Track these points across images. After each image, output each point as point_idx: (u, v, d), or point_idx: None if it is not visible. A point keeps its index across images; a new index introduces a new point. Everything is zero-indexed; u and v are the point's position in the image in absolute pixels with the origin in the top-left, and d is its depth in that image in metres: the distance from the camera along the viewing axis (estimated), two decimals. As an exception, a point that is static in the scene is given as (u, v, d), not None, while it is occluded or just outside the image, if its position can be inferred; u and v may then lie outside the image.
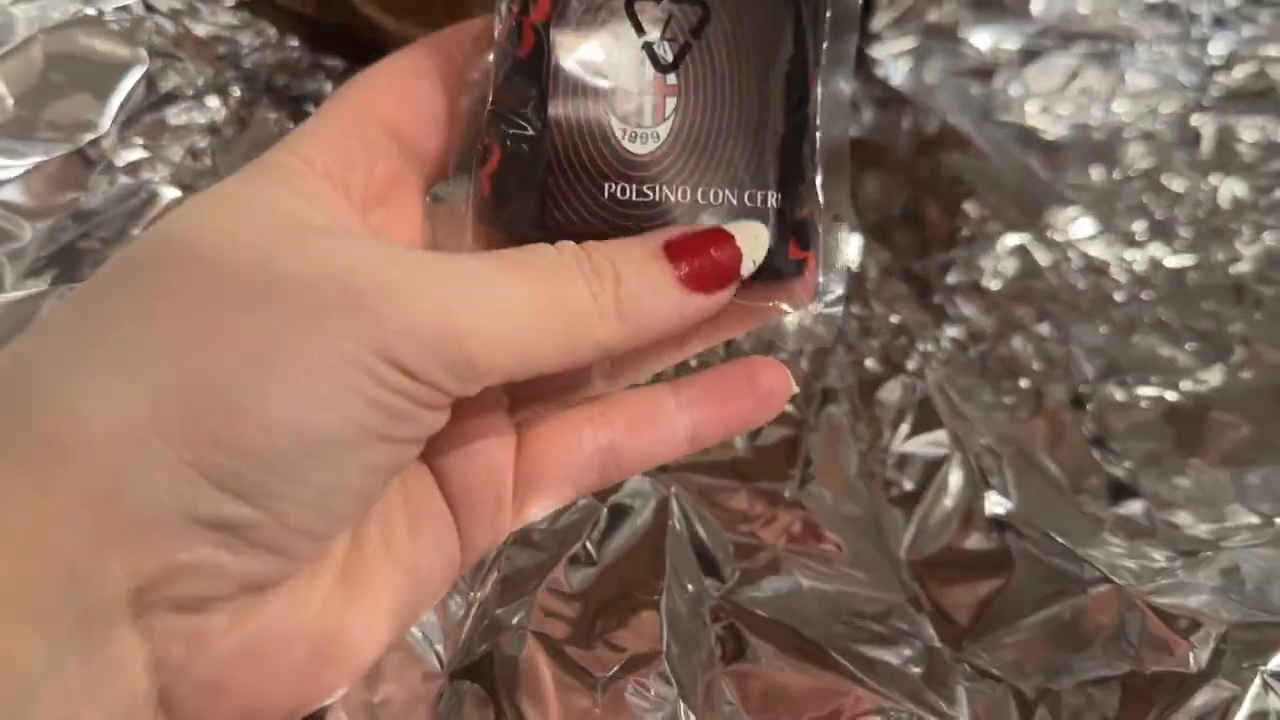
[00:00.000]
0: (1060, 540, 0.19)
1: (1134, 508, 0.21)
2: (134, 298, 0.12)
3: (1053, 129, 0.32)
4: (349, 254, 0.12)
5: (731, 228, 0.14)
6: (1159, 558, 0.20)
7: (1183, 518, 0.21)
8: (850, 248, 0.28)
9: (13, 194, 0.22)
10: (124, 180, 0.24)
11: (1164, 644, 0.17)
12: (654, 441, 0.15)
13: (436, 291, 0.12)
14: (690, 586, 0.20)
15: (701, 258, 0.14)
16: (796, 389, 0.16)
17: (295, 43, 0.28)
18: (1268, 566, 0.18)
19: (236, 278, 0.12)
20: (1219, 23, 0.36)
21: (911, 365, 0.25)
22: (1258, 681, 0.17)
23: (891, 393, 0.24)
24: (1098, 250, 0.27)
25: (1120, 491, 0.22)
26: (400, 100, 0.15)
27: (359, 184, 0.14)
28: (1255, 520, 0.21)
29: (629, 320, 0.13)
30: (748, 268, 0.14)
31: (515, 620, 0.18)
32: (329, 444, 0.12)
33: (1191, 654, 0.17)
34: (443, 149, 0.15)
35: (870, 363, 0.26)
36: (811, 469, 0.23)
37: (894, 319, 0.27)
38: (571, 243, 0.14)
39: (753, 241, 0.14)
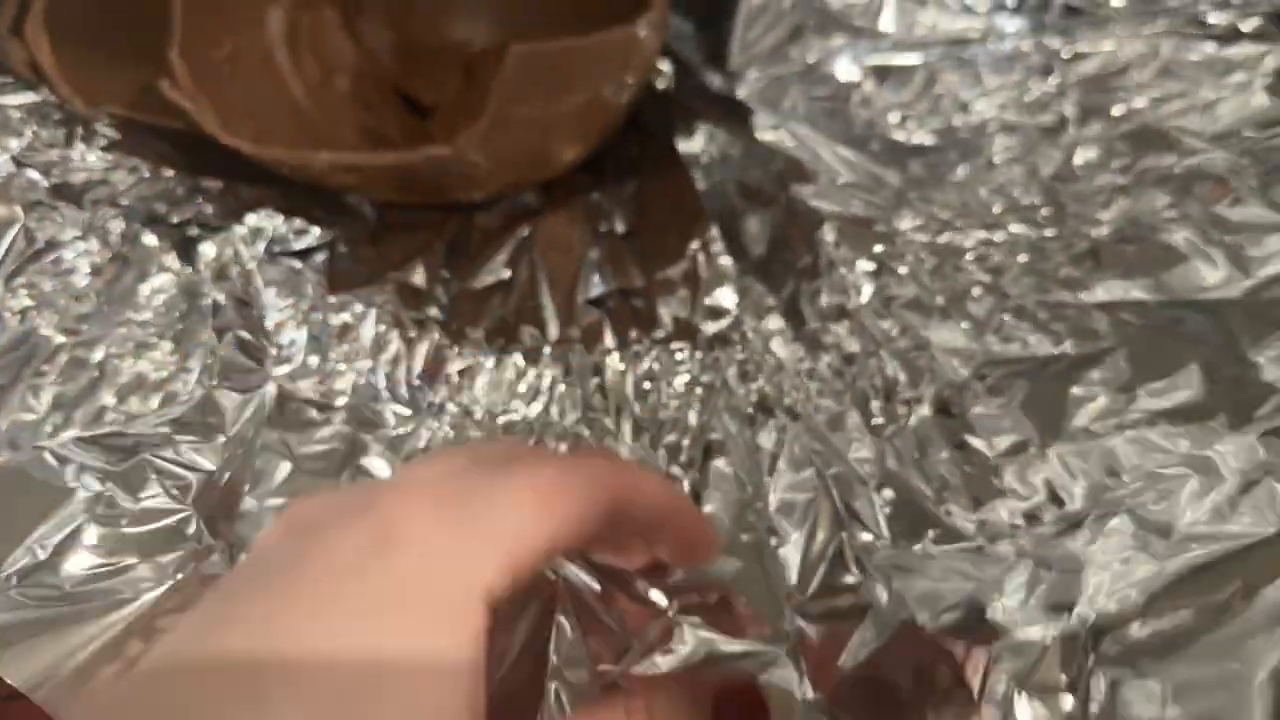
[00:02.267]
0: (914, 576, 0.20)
1: (998, 512, 0.22)
2: None
3: (916, 138, 0.34)
4: None
5: None
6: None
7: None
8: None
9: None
10: (15, 328, 0.25)
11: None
12: None
13: None
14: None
15: None
16: None
17: (170, 172, 0.29)
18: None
19: None
20: (1070, 11, 0.37)
21: (789, 402, 0.27)
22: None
23: (768, 437, 0.26)
24: (950, 243, 0.28)
25: (981, 497, 0.23)
26: None
27: None
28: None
29: None
30: None
31: None
32: None
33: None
34: None
35: (750, 410, 0.27)
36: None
37: (771, 358, 0.28)
38: None
39: None
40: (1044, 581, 0.20)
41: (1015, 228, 0.28)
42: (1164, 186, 0.28)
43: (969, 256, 0.28)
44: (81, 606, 0.20)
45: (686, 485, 0.24)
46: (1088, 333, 0.25)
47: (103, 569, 0.21)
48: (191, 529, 0.22)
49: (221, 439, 0.23)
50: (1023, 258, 0.27)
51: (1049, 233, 0.28)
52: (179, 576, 0.21)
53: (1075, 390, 0.24)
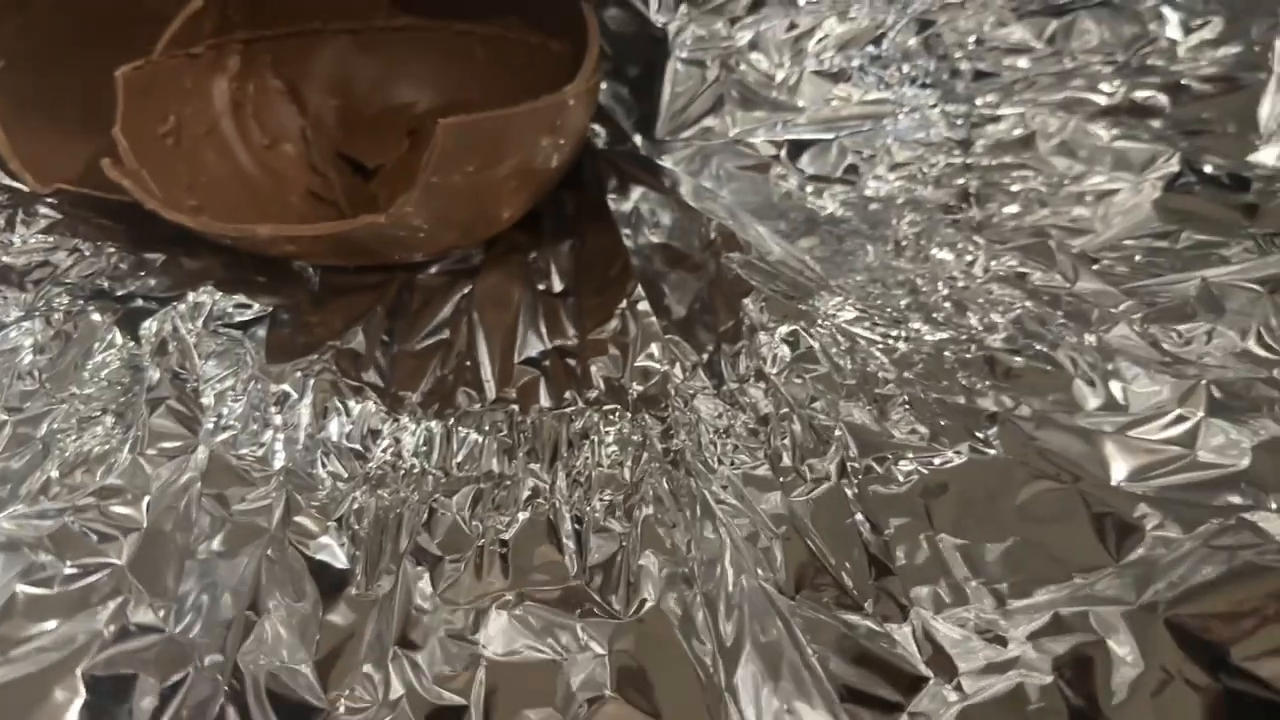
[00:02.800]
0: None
1: (891, 584, 0.24)
2: None
3: (830, 208, 0.36)
4: None
5: None
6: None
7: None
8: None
9: None
10: (-38, 405, 0.26)
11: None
12: None
13: None
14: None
15: None
16: None
17: (113, 248, 0.30)
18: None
19: None
20: (980, 76, 0.39)
21: (706, 456, 0.28)
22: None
23: (685, 491, 0.27)
24: (862, 331, 0.30)
25: (879, 567, 0.24)
26: None
27: None
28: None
29: None
30: None
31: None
32: None
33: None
34: None
35: (671, 467, 0.29)
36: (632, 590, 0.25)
37: (692, 414, 0.30)
38: None
39: None
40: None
41: (917, 325, 0.30)
42: (1056, 304, 0.30)
43: (877, 348, 0.30)
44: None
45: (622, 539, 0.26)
46: (977, 439, 0.27)
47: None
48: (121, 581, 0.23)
49: (147, 499, 0.24)
50: (924, 355, 0.29)
51: (947, 336, 0.30)
52: (110, 629, 0.22)
53: (963, 489, 0.26)
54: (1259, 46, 0.37)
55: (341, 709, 0.23)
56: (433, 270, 0.38)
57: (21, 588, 0.22)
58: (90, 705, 0.21)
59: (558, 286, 0.37)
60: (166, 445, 0.26)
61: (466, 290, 0.37)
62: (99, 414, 0.27)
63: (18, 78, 0.36)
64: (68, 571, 0.23)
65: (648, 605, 0.24)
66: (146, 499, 0.24)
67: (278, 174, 0.39)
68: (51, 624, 0.22)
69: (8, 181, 0.33)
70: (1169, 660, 0.21)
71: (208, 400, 0.27)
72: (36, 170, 0.34)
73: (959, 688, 0.21)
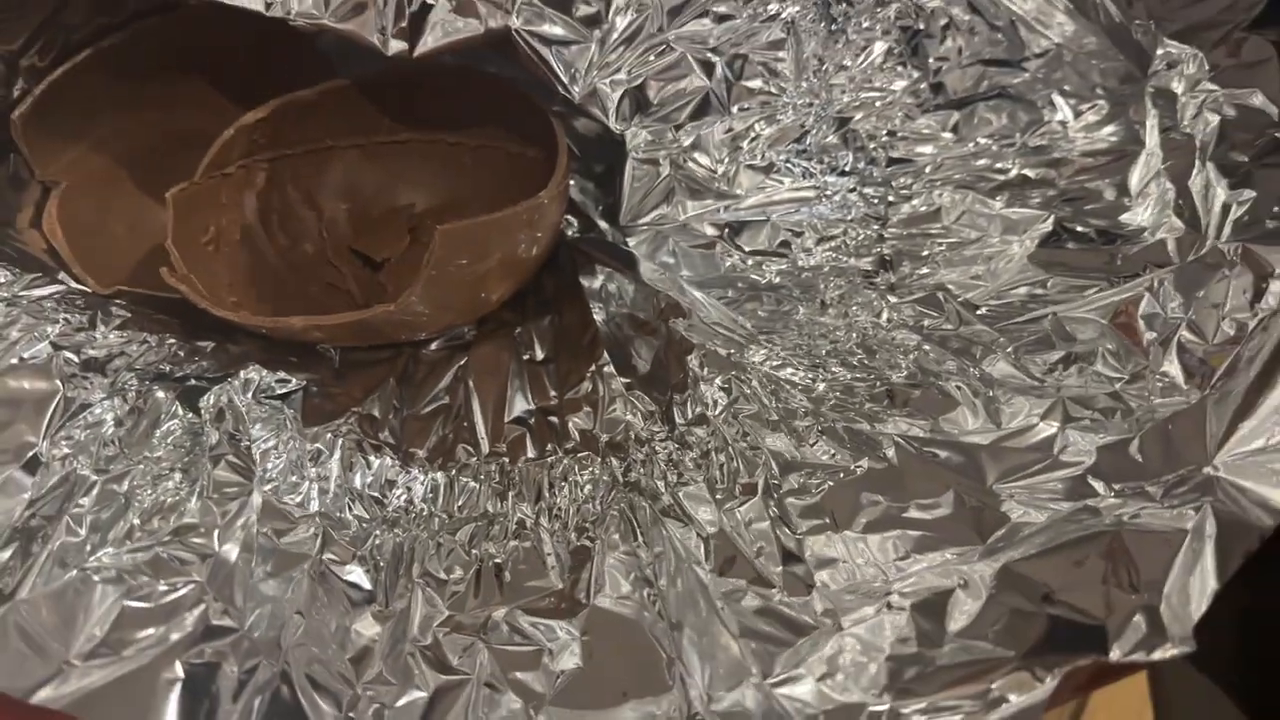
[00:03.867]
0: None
1: (797, 569, 0.30)
2: None
3: (768, 277, 0.42)
4: None
5: None
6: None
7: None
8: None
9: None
10: (58, 470, 0.33)
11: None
12: None
13: None
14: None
15: None
16: None
17: (171, 339, 0.37)
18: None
19: None
20: (893, 162, 0.46)
21: (659, 486, 0.35)
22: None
23: (642, 511, 0.34)
24: (785, 375, 0.37)
25: (789, 557, 0.31)
26: None
27: None
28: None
29: None
30: None
31: None
32: None
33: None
34: None
35: (632, 494, 0.35)
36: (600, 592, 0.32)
37: (649, 453, 0.36)
38: None
39: None
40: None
41: (835, 368, 0.37)
42: (946, 345, 0.37)
43: (797, 387, 0.36)
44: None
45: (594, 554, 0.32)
46: (877, 456, 0.33)
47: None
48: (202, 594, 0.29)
49: (216, 531, 0.31)
50: (837, 393, 0.36)
51: (858, 375, 0.36)
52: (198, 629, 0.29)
53: (864, 495, 0.32)
54: (1137, 125, 0.44)
55: (367, 693, 0.29)
56: (434, 346, 0.44)
57: (127, 603, 0.29)
58: (188, 685, 0.28)
59: (540, 355, 0.44)
60: (228, 491, 0.32)
61: (463, 361, 0.43)
62: (168, 471, 0.33)
63: (77, 196, 0.44)
64: (161, 589, 0.29)
65: (615, 598, 0.30)
66: (216, 531, 0.31)
67: (300, 269, 0.46)
68: (152, 630, 0.28)
69: (81, 287, 0.40)
70: (1006, 599, 0.27)
71: (257, 457, 0.34)
72: (97, 275, 0.41)
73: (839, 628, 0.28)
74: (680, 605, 0.29)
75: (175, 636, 0.28)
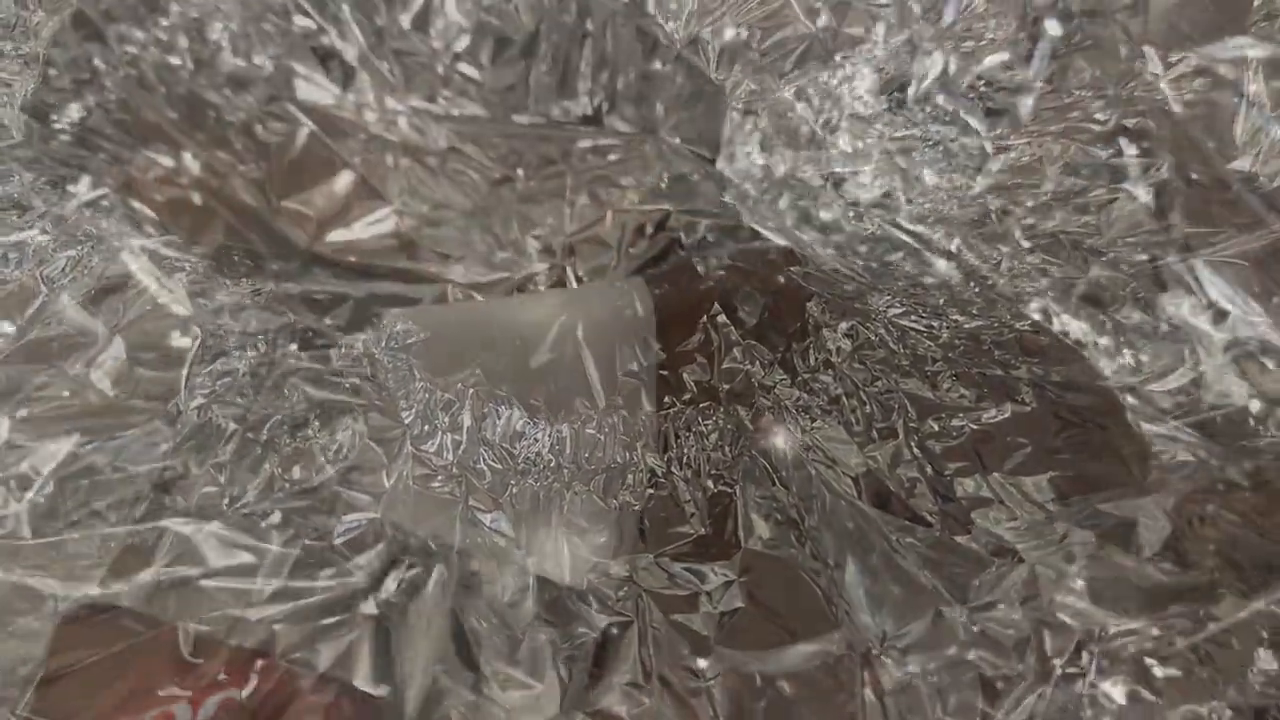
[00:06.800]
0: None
1: (951, 509, 0.30)
2: None
3: (870, 229, 0.42)
4: None
5: None
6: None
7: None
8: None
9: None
10: (194, 420, 0.33)
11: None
12: None
13: None
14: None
15: None
16: None
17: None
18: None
19: None
20: (992, 113, 0.46)
21: (791, 429, 0.35)
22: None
23: (780, 455, 0.34)
24: (909, 323, 0.37)
25: (942, 497, 0.31)
26: None
27: None
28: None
29: None
30: None
31: None
32: None
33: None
34: None
35: (765, 440, 0.35)
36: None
37: (775, 399, 0.36)
38: None
39: None
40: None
41: (956, 316, 0.36)
42: (1070, 292, 0.37)
43: (922, 334, 0.36)
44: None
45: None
46: (1018, 400, 0.33)
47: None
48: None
49: (383, 474, 0.31)
50: (963, 339, 0.36)
51: (980, 324, 0.36)
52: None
53: (1009, 438, 0.32)
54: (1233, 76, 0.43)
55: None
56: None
57: (307, 543, 0.29)
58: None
59: (639, 311, 0.44)
60: (384, 442, 0.33)
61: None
62: (305, 419, 0.33)
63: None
64: (341, 528, 0.30)
65: (765, 541, 0.30)
66: (382, 470, 0.31)
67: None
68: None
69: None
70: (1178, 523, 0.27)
71: (395, 409, 0.34)
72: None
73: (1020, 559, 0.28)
74: (840, 544, 0.30)
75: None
